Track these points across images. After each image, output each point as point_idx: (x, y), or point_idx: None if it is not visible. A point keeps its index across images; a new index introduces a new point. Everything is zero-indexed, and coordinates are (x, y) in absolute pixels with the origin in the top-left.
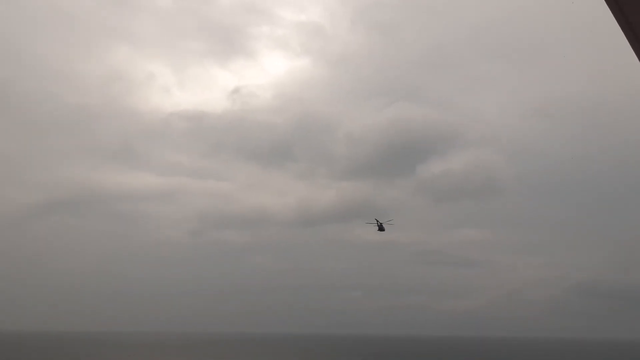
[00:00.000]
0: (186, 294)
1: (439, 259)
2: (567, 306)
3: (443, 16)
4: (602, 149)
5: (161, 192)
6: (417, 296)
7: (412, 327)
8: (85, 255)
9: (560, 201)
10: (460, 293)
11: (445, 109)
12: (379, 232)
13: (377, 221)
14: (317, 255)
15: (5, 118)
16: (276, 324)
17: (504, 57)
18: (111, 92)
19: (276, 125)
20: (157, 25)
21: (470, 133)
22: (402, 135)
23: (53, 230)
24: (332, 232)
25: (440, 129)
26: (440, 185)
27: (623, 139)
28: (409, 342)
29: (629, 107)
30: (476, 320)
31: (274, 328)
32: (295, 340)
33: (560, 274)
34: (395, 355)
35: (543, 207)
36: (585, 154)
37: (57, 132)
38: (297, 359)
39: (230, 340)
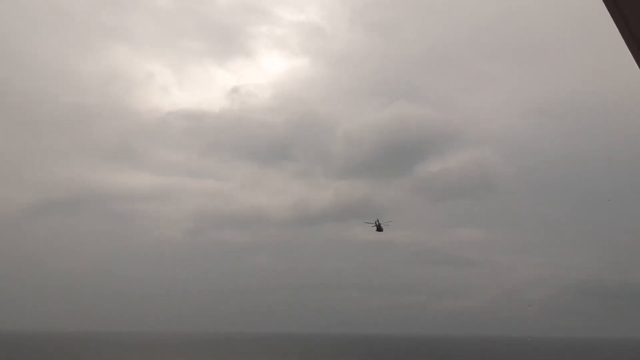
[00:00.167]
0: (184, 293)
1: (437, 258)
2: (565, 305)
3: (442, 16)
4: (600, 148)
5: (159, 192)
6: (416, 295)
7: (411, 326)
8: (83, 255)
9: (559, 200)
10: (459, 292)
11: (444, 109)
12: (377, 232)
13: (377, 221)
14: (316, 254)
15: (3, 117)
16: (275, 324)
17: (503, 57)
18: (110, 92)
19: (275, 124)
20: (156, 25)
21: (468, 132)
22: (401, 135)
23: (51, 230)
24: (330, 232)
25: (438, 128)
26: (439, 184)
27: (621, 138)
28: (407, 342)
29: (627, 106)
30: (475, 319)
31: (272, 328)
32: (294, 340)
33: (559, 273)
34: (394, 355)
35: (541, 206)
36: (583, 153)
37: (56, 132)
38: (295, 358)
39: (229, 340)
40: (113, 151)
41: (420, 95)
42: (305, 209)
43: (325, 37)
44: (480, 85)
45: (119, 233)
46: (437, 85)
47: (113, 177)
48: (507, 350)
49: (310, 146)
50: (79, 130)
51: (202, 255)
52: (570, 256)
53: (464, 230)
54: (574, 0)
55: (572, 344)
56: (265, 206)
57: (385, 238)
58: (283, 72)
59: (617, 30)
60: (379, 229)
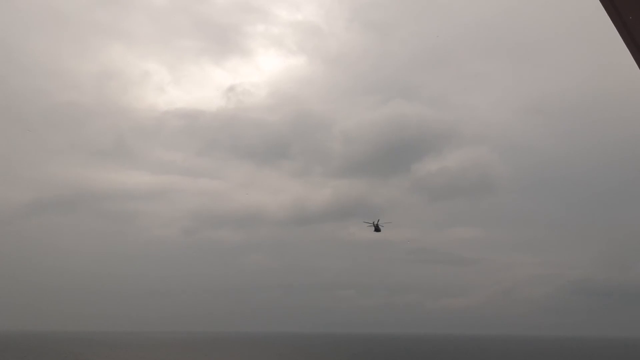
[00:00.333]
0: (179, 292)
1: (434, 257)
2: (561, 304)
3: (438, 15)
4: (596, 147)
5: (155, 191)
6: (412, 294)
7: (407, 325)
8: (77, 254)
9: (555, 199)
10: (455, 291)
11: (441, 107)
12: (375, 232)
13: (376, 222)
14: (312, 253)
15: None
16: (270, 323)
17: (499, 55)
18: (105, 90)
19: (271, 123)
20: (152, 24)
21: (465, 131)
22: (398, 133)
23: (45, 229)
24: (327, 231)
25: (435, 127)
26: (436, 183)
27: (617, 136)
28: (404, 340)
29: (622, 104)
30: (471, 318)
31: (268, 327)
32: (289, 339)
33: (555, 271)
34: (390, 353)
35: (537, 204)
36: (580, 152)
37: (50, 130)
38: (291, 358)
39: (225, 339)
40: (109, 150)
41: (417, 93)
42: (302, 208)
43: (321, 36)
44: (477, 84)
45: (113, 231)
46: (434, 84)
47: (109, 176)
48: (504, 348)
49: (307, 145)
50: (74, 128)
51: (196, 254)
52: (566, 255)
53: (461, 229)
54: None
55: (566, 341)
56: (262, 205)
57: (383, 237)
58: (280, 71)
59: (613, 28)
60: (377, 229)
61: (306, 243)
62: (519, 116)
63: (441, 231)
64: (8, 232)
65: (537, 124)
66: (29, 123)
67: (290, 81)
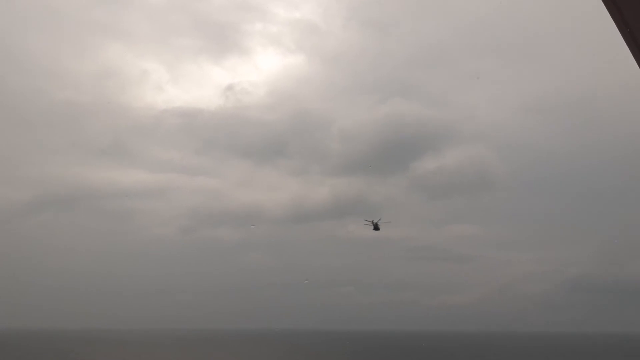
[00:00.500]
0: (178, 291)
1: (432, 254)
2: (559, 300)
3: (436, 13)
4: (594, 145)
5: (154, 189)
6: (410, 292)
7: (406, 322)
8: (76, 253)
9: (553, 196)
10: (454, 288)
11: (439, 106)
12: (374, 231)
13: (377, 220)
14: (310, 251)
15: None
16: (269, 321)
17: (498, 53)
18: (103, 89)
19: (269, 122)
20: (150, 22)
21: (464, 129)
22: (396, 132)
23: (43, 228)
24: (325, 229)
25: (433, 125)
26: (434, 181)
27: (615, 134)
28: (402, 338)
29: (621, 103)
30: (469, 315)
31: (266, 324)
32: (288, 337)
33: (553, 268)
34: (388, 351)
35: (536, 202)
36: (578, 150)
37: (48, 129)
38: (290, 355)
39: (223, 338)
40: (107, 149)
41: (416, 92)
42: (300, 206)
43: (320, 34)
44: (476, 82)
45: (112, 230)
46: (432, 82)
47: (107, 174)
48: (502, 345)
49: (306, 143)
50: (72, 127)
51: (195, 253)
52: (565, 252)
53: (459, 227)
54: None
55: (564, 338)
56: (260, 204)
57: (381, 235)
58: (278, 70)
59: (612, 25)
60: (376, 228)
61: (304, 241)
62: (518, 114)
63: (439, 229)
64: (6, 231)
65: (535, 122)
66: (28, 122)
67: (288, 80)
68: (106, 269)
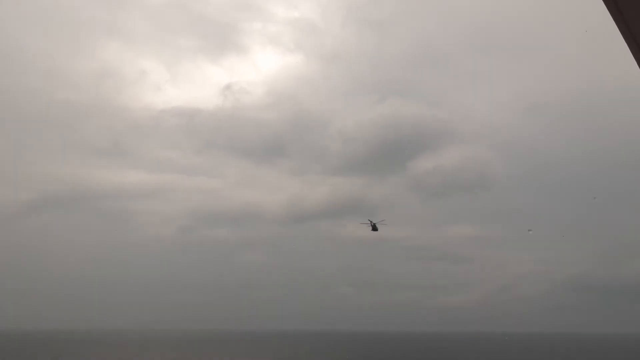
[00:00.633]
0: (177, 291)
1: (431, 254)
2: (559, 301)
3: (435, 13)
4: (593, 145)
5: (153, 189)
6: (410, 292)
7: (405, 323)
8: (75, 253)
9: (551, 195)
10: (453, 289)
11: (437, 105)
12: (372, 231)
13: (371, 222)
14: (310, 251)
15: None
16: (268, 321)
17: (496, 53)
18: (102, 89)
19: (268, 121)
20: (148, 22)
21: (462, 129)
22: (394, 132)
23: (43, 228)
24: (324, 229)
25: (432, 125)
26: (432, 181)
27: (614, 135)
28: (401, 339)
29: (620, 103)
30: (468, 316)
31: (265, 325)
32: (287, 337)
33: (552, 269)
34: (387, 352)
35: (534, 201)
36: (578, 149)
37: (47, 129)
38: (289, 356)
39: (222, 338)
40: (106, 149)
41: (413, 92)
42: (299, 206)
43: (318, 33)
44: (473, 82)
45: (111, 230)
46: (431, 82)
47: (106, 174)
48: (501, 346)
49: (305, 143)
50: (71, 127)
51: (194, 253)
52: (563, 252)
53: (458, 227)
54: None
55: (564, 339)
56: (259, 203)
57: (379, 235)
58: (277, 69)
59: (614, 26)
60: (374, 228)
61: (303, 241)
62: (516, 114)
63: (438, 229)
64: (6, 231)
65: (533, 122)
66: (27, 122)
67: (287, 79)
68: (105, 269)
